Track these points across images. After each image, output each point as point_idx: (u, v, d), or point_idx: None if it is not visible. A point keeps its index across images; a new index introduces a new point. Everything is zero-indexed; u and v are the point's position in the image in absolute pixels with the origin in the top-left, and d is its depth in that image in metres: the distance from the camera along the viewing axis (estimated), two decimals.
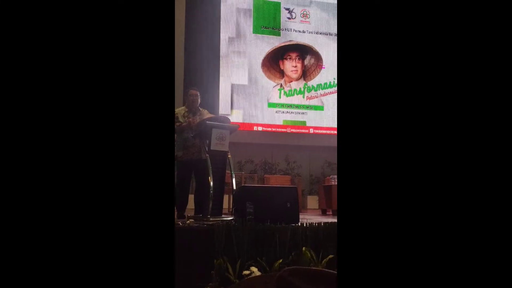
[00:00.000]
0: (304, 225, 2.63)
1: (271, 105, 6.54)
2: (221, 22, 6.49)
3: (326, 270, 1.05)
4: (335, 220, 2.85)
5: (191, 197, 3.69)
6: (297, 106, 6.62)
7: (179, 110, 3.66)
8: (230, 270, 2.23)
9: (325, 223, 2.67)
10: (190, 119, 3.52)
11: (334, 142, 6.47)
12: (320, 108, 6.70)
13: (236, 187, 3.38)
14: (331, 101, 6.69)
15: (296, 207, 3.01)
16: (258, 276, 2.05)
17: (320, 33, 6.82)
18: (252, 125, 6.44)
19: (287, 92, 6.60)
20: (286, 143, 6.52)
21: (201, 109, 3.70)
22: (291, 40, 6.69)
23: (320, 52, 6.73)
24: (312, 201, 6.44)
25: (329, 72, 6.70)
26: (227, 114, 6.17)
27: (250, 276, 2.11)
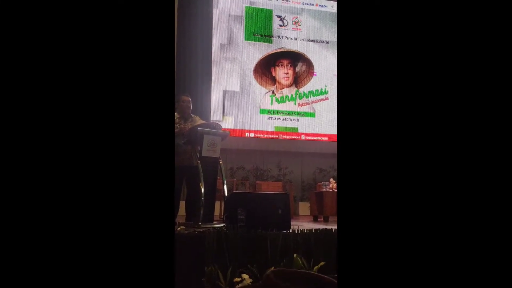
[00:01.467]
0: (296, 231, 2.63)
1: (262, 111, 6.55)
2: (213, 29, 6.50)
3: (311, 272, 1.06)
4: (327, 226, 2.85)
5: (182, 204, 3.66)
6: (289, 113, 6.64)
7: None
8: (221, 277, 2.22)
9: (316, 229, 2.67)
10: (182, 126, 3.51)
11: (325, 149, 6.50)
12: (311, 114, 6.73)
13: (227, 193, 3.37)
14: (322, 108, 6.72)
15: (288, 214, 3.00)
16: (249, 285, 2.04)
17: (312, 41, 6.87)
18: (244, 131, 6.44)
19: (279, 99, 6.62)
20: (278, 149, 6.53)
21: (193, 115, 3.69)
22: (282, 47, 6.73)
23: (312, 59, 6.78)
24: (304, 208, 6.44)
25: (320, 79, 6.74)
26: (219, 121, 6.16)
27: (241, 284, 2.10)
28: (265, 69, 6.62)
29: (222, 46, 6.53)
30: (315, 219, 5.38)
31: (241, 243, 2.43)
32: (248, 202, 2.90)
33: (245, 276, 2.21)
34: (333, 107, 6.60)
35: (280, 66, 6.69)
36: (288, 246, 2.49)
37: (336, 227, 2.50)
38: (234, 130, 6.23)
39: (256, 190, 5.75)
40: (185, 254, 2.49)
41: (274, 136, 6.55)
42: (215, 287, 2.19)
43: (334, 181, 5.54)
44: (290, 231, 2.70)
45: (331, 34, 6.88)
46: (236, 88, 6.49)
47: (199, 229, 2.80)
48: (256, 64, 6.57)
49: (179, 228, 2.83)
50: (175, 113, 3.70)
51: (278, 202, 2.98)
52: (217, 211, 4.55)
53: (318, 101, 6.73)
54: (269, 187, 5.77)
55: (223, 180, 3.39)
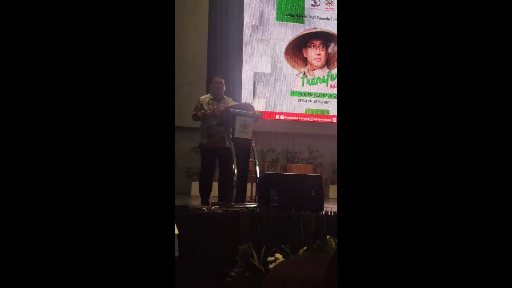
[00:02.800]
0: (329, 213, 2.62)
1: (293, 93, 6.50)
2: (244, 10, 6.45)
3: None
4: None
5: (214, 185, 3.72)
6: (320, 95, 6.55)
7: (204, 97, 3.68)
8: (255, 256, 2.25)
9: None
10: (215, 107, 3.53)
11: None
12: None
13: (259, 175, 3.39)
14: None
15: (321, 196, 2.99)
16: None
17: None
18: (274, 113, 6.42)
19: (310, 81, 6.53)
20: (308, 132, 6.48)
21: (225, 96, 3.71)
22: (315, 28, 6.60)
23: None
24: (335, 191, 6.39)
25: None
26: (250, 102, 6.16)
27: (276, 262, 2.13)
28: (297, 50, 6.52)
29: (254, 27, 6.47)
30: None
31: (274, 223, 2.46)
32: (280, 183, 2.90)
33: (278, 255, 2.23)
34: None
35: (312, 47, 6.57)
36: (321, 228, 2.49)
37: None
38: (265, 112, 6.21)
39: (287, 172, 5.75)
40: (220, 233, 2.54)
41: (304, 118, 6.49)
42: (249, 265, 2.23)
43: None
44: (323, 213, 2.70)
45: None
46: (267, 69, 6.45)
47: (233, 209, 2.84)
48: (288, 45, 6.49)
49: (213, 208, 2.88)
50: (208, 95, 3.73)
51: (311, 184, 2.97)
52: (248, 193, 4.59)
53: None
54: (300, 170, 5.74)
55: (255, 161, 3.41)
